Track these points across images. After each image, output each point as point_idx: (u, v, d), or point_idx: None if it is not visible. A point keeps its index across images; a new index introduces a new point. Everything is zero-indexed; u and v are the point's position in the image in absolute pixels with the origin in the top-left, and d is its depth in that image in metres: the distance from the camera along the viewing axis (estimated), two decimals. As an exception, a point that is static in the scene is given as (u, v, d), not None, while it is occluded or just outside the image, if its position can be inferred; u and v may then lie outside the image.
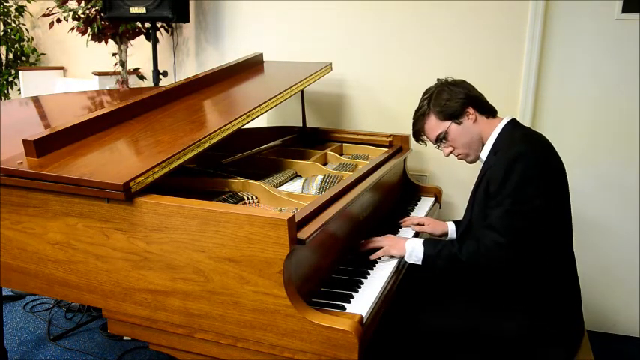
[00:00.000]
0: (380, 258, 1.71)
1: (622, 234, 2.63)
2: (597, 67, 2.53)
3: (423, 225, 2.02)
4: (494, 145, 1.69)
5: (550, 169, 1.58)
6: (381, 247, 1.71)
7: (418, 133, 1.83)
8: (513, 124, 1.71)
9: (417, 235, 1.99)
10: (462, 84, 1.75)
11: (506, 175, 1.53)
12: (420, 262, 1.65)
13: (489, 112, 1.75)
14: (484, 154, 1.73)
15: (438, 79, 1.80)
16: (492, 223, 1.54)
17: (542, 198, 1.51)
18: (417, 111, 1.81)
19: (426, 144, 1.88)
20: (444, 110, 1.72)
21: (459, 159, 1.81)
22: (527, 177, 1.51)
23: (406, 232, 2.00)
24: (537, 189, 1.51)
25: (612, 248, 2.66)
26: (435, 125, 1.75)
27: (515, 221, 1.51)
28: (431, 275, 1.79)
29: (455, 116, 1.72)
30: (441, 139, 1.76)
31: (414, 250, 1.65)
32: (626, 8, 2.44)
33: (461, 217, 2.07)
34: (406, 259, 1.68)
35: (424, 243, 1.66)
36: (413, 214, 2.26)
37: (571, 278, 1.67)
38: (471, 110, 1.71)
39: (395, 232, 1.98)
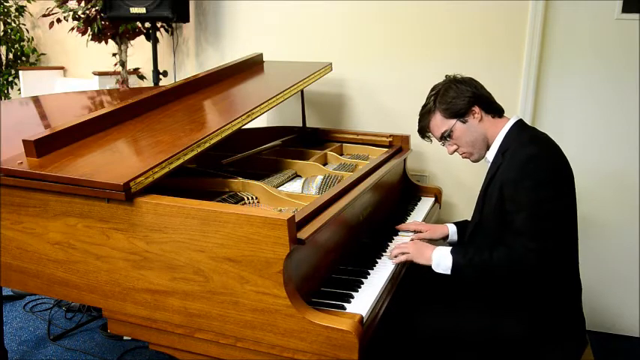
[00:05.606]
0: (380, 258, 1.71)
1: (622, 233, 2.63)
2: (597, 67, 2.53)
3: (421, 232, 1.97)
4: (500, 145, 1.68)
5: (562, 170, 1.58)
6: (408, 253, 1.69)
7: (424, 129, 1.82)
8: (520, 125, 1.70)
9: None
10: (469, 82, 1.74)
11: (521, 178, 1.52)
12: (448, 272, 1.60)
13: (496, 111, 1.73)
14: (490, 155, 1.72)
15: (446, 76, 1.79)
16: (519, 228, 1.52)
17: (558, 199, 1.52)
18: (423, 107, 1.80)
19: (431, 140, 1.87)
20: (450, 108, 1.71)
21: (463, 157, 1.80)
22: (541, 179, 1.51)
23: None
24: (553, 191, 1.51)
25: (612, 248, 2.65)
26: (440, 123, 1.75)
27: (539, 224, 1.50)
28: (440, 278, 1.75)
29: (460, 115, 1.71)
30: (445, 137, 1.76)
31: (441, 262, 1.62)
32: (626, 8, 2.44)
33: (460, 218, 2.08)
34: (434, 269, 1.64)
35: (452, 252, 1.61)
36: (413, 214, 2.26)
37: (574, 280, 1.65)
38: (476, 109, 1.70)
39: (393, 237, 1.95)
